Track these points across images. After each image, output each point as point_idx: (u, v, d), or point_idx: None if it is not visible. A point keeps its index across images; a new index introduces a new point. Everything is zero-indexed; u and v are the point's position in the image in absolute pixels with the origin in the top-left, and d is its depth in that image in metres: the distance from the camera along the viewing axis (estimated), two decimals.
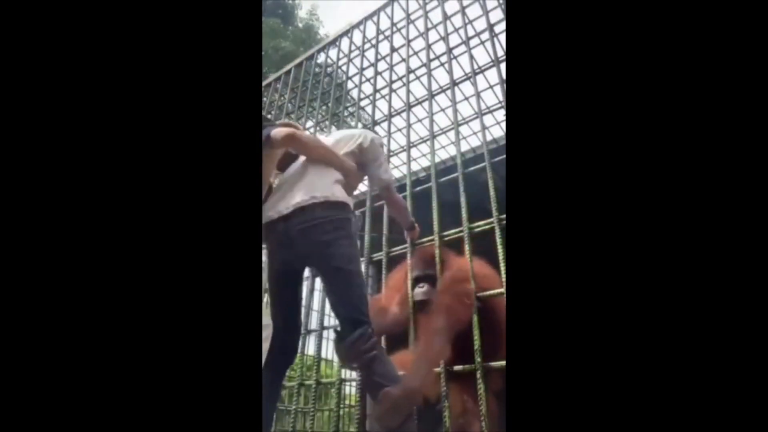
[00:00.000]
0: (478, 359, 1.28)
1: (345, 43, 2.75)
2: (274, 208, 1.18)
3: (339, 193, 1.21)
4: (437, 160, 2.12)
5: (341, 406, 1.62)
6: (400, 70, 2.52)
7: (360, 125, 2.57)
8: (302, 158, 1.32)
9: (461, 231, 1.59)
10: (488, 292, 1.41)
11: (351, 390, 2.71)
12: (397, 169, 3.13)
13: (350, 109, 2.81)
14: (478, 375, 1.26)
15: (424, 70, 2.28)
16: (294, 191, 1.19)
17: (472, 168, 1.80)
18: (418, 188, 1.87)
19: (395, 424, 1.01)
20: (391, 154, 2.20)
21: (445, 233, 1.63)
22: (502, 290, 1.35)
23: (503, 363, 1.29)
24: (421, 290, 1.51)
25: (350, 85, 2.77)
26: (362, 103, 2.63)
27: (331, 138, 1.43)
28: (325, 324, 1.91)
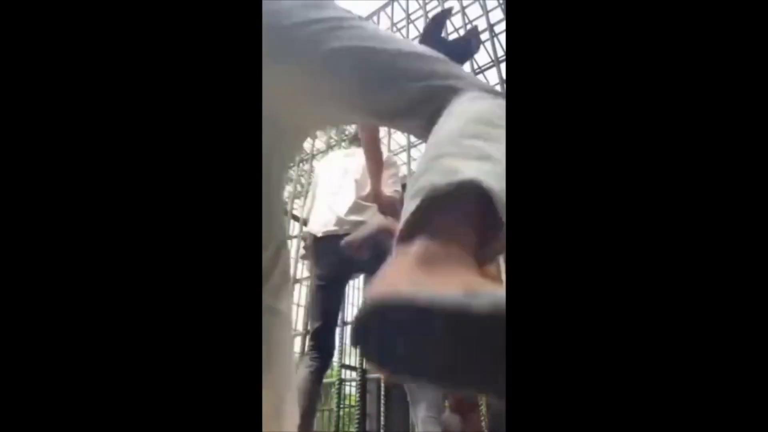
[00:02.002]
0: None
1: None
2: (332, 223, 1.41)
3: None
4: None
5: (341, 406, 1.62)
6: None
7: None
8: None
9: None
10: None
11: (351, 390, 2.71)
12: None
13: None
14: None
15: None
16: (354, 212, 1.44)
17: None
18: None
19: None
20: (392, 153, 2.21)
21: None
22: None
23: None
24: None
25: None
26: None
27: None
28: None
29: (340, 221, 1.43)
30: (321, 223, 1.45)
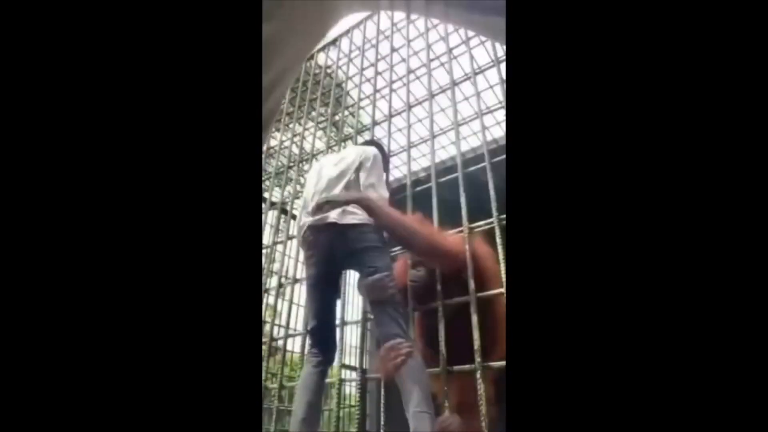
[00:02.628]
0: (478, 359, 1.28)
1: (345, 43, 2.75)
2: (325, 214, 1.39)
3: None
4: (437, 160, 2.12)
5: (341, 406, 1.62)
6: (401, 70, 2.52)
7: (359, 125, 2.58)
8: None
9: (461, 230, 1.59)
10: (487, 293, 1.41)
11: (351, 390, 2.71)
12: (397, 169, 3.13)
13: (350, 110, 2.81)
14: (478, 375, 1.26)
15: (424, 70, 2.28)
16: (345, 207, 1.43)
17: (472, 168, 1.80)
18: (418, 188, 1.87)
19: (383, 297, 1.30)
20: (391, 154, 2.21)
21: (445, 233, 1.63)
22: (501, 290, 1.35)
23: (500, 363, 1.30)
24: (416, 273, 1.54)
25: (350, 85, 2.77)
26: (362, 104, 2.63)
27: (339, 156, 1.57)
28: None
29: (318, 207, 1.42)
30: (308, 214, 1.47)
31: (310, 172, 1.74)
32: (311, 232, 1.43)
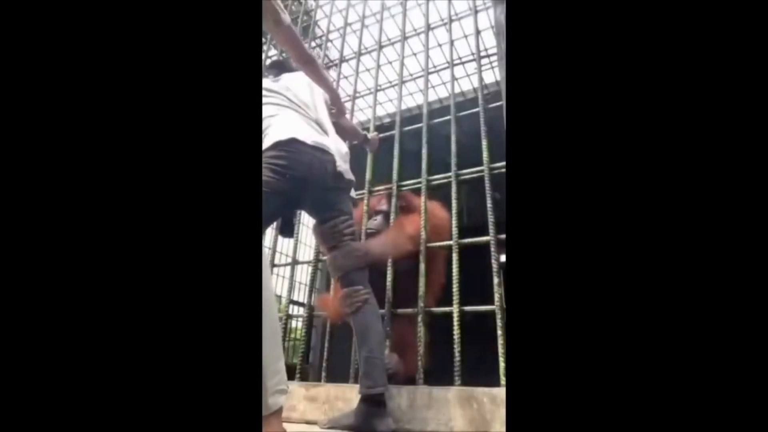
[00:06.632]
0: (421, 304, 1.37)
1: None
2: (322, 138, 1.26)
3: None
4: (403, 107, 2.08)
5: (287, 339, 1.68)
6: (375, 5, 2.38)
7: (326, 60, 2.44)
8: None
9: (419, 182, 1.61)
10: (435, 244, 1.47)
11: (297, 324, 2.81)
12: (361, 111, 3.04)
13: (317, 41, 2.64)
14: (419, 318, 1.35)
15: (399, 9, 2.16)
16: (335, 138, 1.33)
17: (436, 120, 1.78)
18: (381, 135, 1.84)
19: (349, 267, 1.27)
20: (357, 95, 2.13)
21: (404, 182, 1.65)
22: (450, 243, 1.42)
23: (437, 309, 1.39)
24: (374, 222, 1.57)
25: (320, 14, 2.58)
26: (331, 36, 2.48)
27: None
28: (276, 262, 1.93)
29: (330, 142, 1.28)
30: (303, 131, 1.23)
31: (293, 81, 1.53)
32: (302, 147, 1.19)
